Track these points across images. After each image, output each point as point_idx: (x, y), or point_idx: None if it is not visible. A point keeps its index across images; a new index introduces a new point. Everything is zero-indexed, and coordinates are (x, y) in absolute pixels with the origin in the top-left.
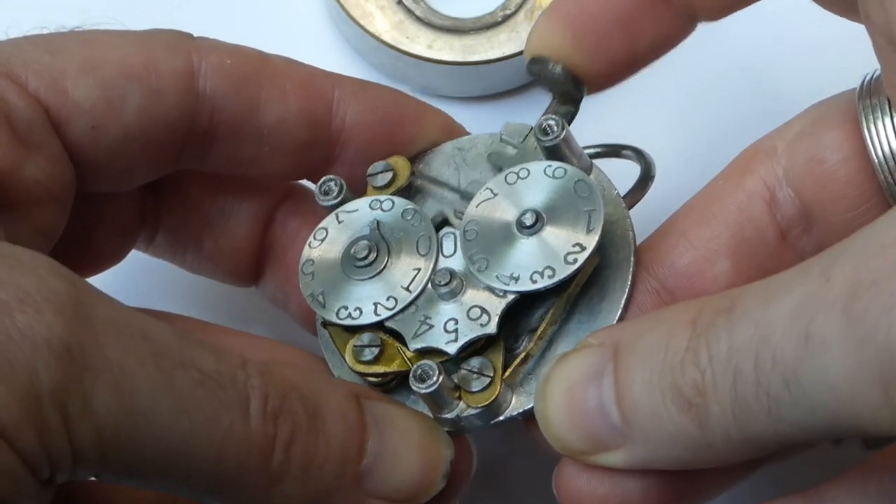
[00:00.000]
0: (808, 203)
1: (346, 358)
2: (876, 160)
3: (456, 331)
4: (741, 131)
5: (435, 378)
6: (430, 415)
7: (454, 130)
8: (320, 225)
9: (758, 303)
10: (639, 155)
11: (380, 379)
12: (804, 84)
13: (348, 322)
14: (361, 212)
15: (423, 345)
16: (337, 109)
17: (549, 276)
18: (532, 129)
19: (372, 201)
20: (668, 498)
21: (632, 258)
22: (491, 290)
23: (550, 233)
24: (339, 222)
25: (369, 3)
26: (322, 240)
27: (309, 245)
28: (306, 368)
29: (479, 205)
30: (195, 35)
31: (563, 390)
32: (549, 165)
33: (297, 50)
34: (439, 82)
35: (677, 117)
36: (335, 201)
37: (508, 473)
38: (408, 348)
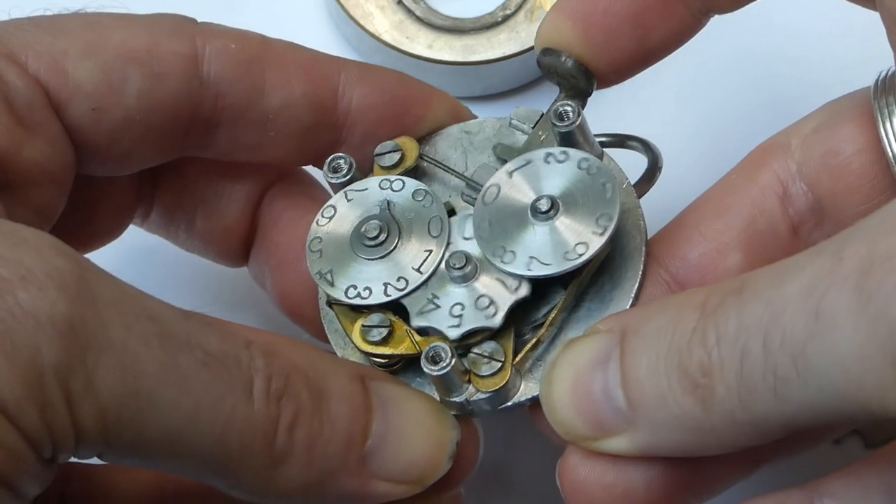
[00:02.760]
0: (822, 196)
1: (354, 338)
2: (890, 154)
3: (461, 316)
4: (752, 121)
5: (448, 360)
6: (438, 397)
7: (461, 113)
8: (329, 203)
9: (769, 282)
10: (645, 146)
11: (386, 360)
12: (817, 73)
13: (357, 301)
14: (371, 191)
15: (426, 323)
16: (343, 92)
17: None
18: (543, 114)
19: (381, 181)
20: (672, 490)
21: (643, 248)
22: (503, 282)
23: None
24: (349, 200)
25: (369, 3)
26: (330, 217)
27: (317, 223)
28: (310, 350)
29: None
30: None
31: (570, 375)
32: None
33: None
34: (439, 82)
35: (686, 108)
36: (344, 179)
37: (514, 463)
38: (408, 323)
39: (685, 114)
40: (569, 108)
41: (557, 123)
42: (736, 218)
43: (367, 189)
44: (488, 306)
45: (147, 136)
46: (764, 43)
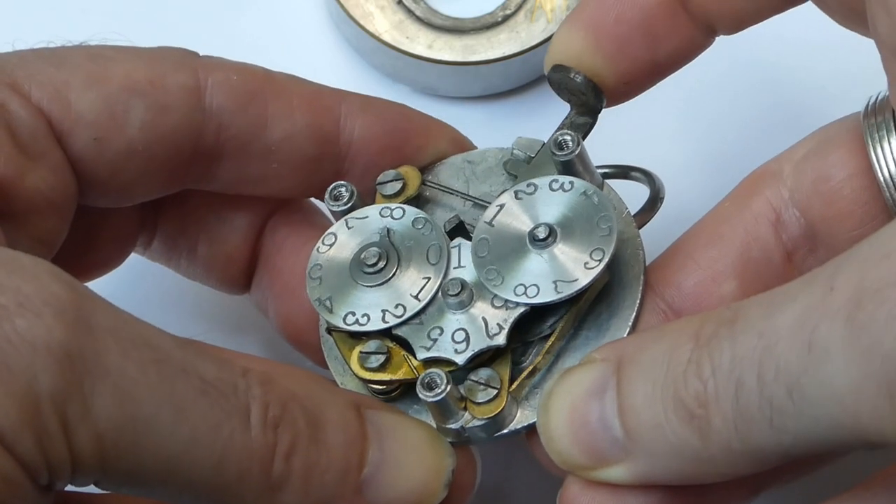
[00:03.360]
0: (814, 222)
1: (352, 364)
2: (882, 179)
3: (465, 341)
4: (753, 140)
5: (443, 387)
6: (434, 424)
7: (462, 144)
8: (329, 230)
9: (761, 313)
10: (648, 177)
11: (384, 387)
12: (820, 92)
13: (355, 328)
14: (371, 219)
15: (432, 354)
16: (345, 124)
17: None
18: (544, 144)
19: (382, 209)
20: None
21: (641, 277)
22: (501, 302)
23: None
24: (349, 228)
25: (369, 3)
26: (331, 245)
27: (317, 250)
28: (306, 378)
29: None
30: (201, 53)
31: (566, 405)
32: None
33: (297, 50)
34: (439, 82)
35: (686, 128)
36: (345, 207)
37: (511, 490)
38: (415, 357)
39: (685, 134)
40: (568, 138)
41: (557, 153)
42: (730, 246)
43: (367, 217)
44: (490, 327)
45: (149, 167)
46: (765, 60)
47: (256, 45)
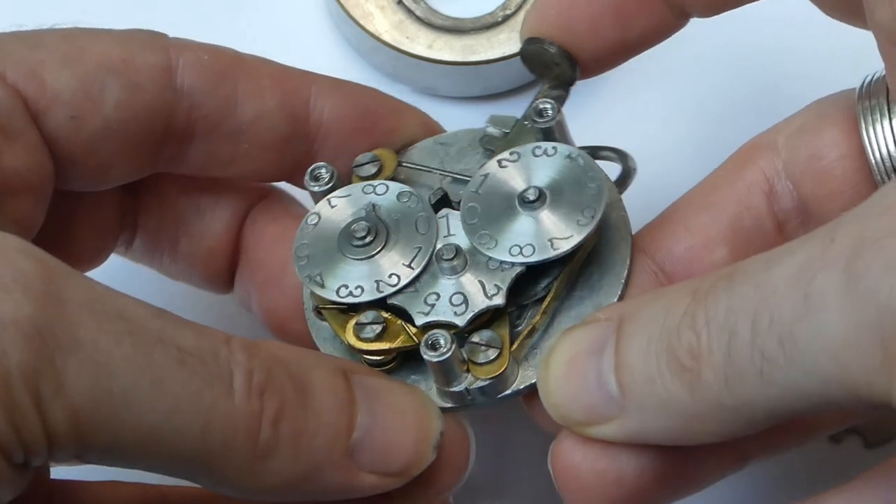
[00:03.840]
0: (806, 198)
1: (347, 337)
2: (873, 161)
3: (463, 303)
4: (742, 117)
5: (447, 346)
6: (435, 391)
7: (433, 128)
8: (312, 210)
9: (760, 266)
10: (620, 154)
11: (382, 357)
12: (809, 67)
13: (349, 300)
14: (354, 196)
15: (430, 319)
16: (314, 104)
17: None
18: (518, 120)
19: (364, 186)
20: (662, 478)
21: (629, 238)
22: (496, 265)
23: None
24: (333, 207)
25: (369, 3)
26: (315, 224)
27: (302, 229)
28: (292, 347)
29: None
30: (182, 36)
31: (566, 360)
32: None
33: (297, 50)
34: (439, 82)
35: (676, 111)
36: (326, 187)
37: (506, 469)
38: (412, 325)
39: (674, 111)
40: (548, 105)
41: (538, 119)
42: (722, 213)
43: (350, 195)
44: (487, 288)
45: (125, 147)
46: (753, 37)
47: (256, 45)
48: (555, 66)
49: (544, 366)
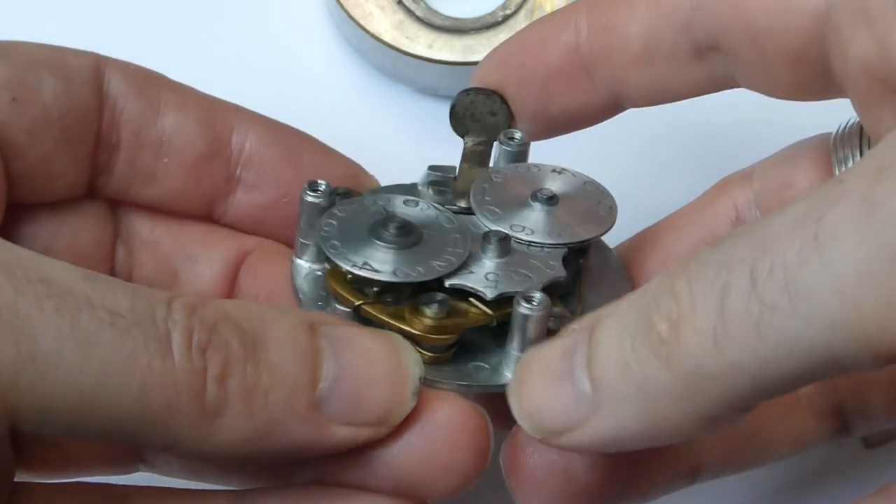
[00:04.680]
0: None
1: (408, 324)
2: None
3: (527, 277)
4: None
5: (544, 300)
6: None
7: (360, 179)
8: (324, 219)
9: (750, 226)
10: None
11: (445, 340)
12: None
13: (409, 279)
14: (363, 205)
15: (502, 291)
16: (238, 128)
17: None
18: (461, 165)
19: (366, 198)
20: (613, 477)
21: (617, 257)
22: (538, 250)
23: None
24: (342, 215)
25: (369, 3)
26: (335, 224)
27: (325, 232)
28: (254, 304)
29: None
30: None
31: (538, 369)
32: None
33: (297, 50)
34: (439, 82)
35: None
36: (325, 200)
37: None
38: (479, 302)
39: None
40: (517, 131)
41: (510, 142)
42: (687, 236)
43: (356, 205)
44: (524, 277)
45: (64, 140)
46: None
47: (256, 45)
48: (490, 118)
49: (516, 377)
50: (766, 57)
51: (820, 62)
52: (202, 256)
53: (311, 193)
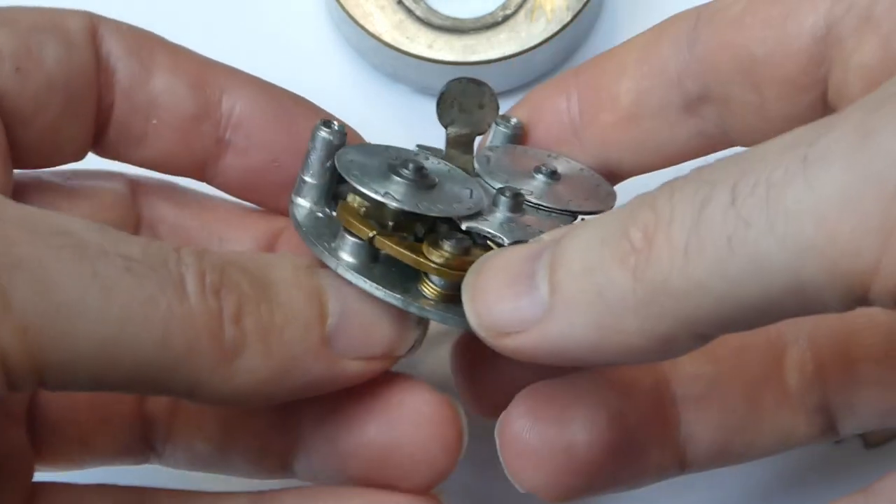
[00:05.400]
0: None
1: (425, 255)
2: None
3: (511, 231)
4: None
5: None
6: None
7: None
8: (340, 154)
9: (738, 154)
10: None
11: (460, 274)
12: None
13: (434, 213)
14: (376, 149)
15: (475, 225)
16: (229, 90)
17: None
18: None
19: (374, 146)
20: (610, 453)
21: None
22: (545, 215)
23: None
24: (355, 155)
25: (369, 3)
26: (350, 161)
27: (342, 164)
28: (252, 252)
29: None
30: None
31: (498, 266)
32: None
33: (297, 50)
34: (439, 82)
35: None
36: (337, 139)
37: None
38: (498, 245)
39: None
40: (511, 116)
41: (506, 123)
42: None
43: (366, 149)
44: (538, 233)
45: (69, 107)
46: None
47: (256, 44)
48: (477, 109)
49: (472, 271)
50: (762, 91)
51: (817, 85)
52: (232, 240)
53: (325, 129)
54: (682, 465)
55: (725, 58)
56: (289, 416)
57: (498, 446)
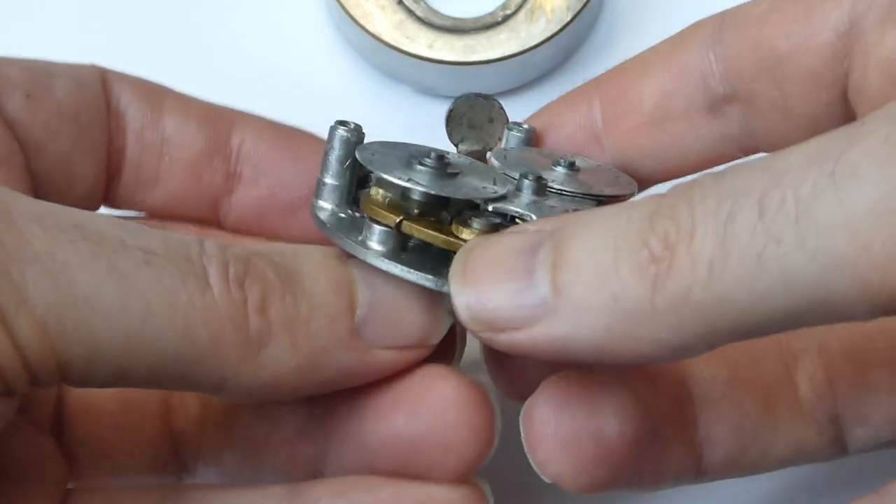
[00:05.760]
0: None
1: (453, 231)
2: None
3: (538, 210)
4: None
5: None
6: None
7: None
8: (360, 150)
9: (759, 160)
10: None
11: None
12: None
13: (460, 196)
14: (395, 146)
15: (500, 205)
16: (238, 126)
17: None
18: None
19: (392, 143)
20: (636, 444)
21: None
22: (567, 199)
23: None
24: (374, 151)
25: (369, 3)
26: (372, 156)
27: (364, 157)
28: (278, 243)
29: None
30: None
31: (489, 258)
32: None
33: (297, 50)
34: (439, 82)
35: None
36: (354, 136)
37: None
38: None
39: None
40: (522, 122)
41: (518, 127)
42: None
43: (383, 146)
44: (563, 213)
45: (80, 138)
46: None
47: (256, 44)
48: (487, 124)
49: (458, 262)
50: (785, 88)
51: (838, 81)
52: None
53: (343, 128)
54: (698, 469)
55: (750, 55)
56: (316, 419)
57: (522, 434)
